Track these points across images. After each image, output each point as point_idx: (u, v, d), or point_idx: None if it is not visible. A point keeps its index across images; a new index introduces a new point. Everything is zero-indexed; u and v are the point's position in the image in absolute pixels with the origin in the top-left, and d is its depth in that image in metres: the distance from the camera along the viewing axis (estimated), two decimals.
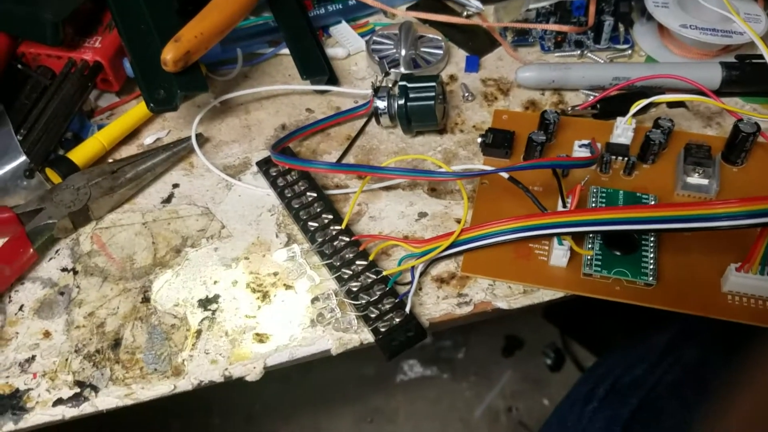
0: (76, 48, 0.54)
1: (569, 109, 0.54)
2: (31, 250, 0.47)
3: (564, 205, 0.45)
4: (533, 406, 1.08)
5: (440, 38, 0.60)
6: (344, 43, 0.61)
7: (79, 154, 0.51)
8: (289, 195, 0.49)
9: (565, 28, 0.59)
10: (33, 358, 0.43)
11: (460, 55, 0.61)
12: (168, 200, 0.51)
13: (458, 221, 0.49)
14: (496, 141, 0.51)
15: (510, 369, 1.11)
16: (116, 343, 0.44)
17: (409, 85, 0.52)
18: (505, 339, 1.14)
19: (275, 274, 0.47)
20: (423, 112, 0.52)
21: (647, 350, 0.60)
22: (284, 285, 0.46)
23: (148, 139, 0.55)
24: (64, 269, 0.48)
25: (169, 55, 0.49)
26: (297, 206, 0.48)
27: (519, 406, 1.07)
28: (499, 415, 1.07)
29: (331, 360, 0.44)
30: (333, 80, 0.58)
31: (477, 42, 0.61)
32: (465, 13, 0.63)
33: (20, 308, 0.46)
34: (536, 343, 1.13)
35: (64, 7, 0.52)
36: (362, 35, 0.62)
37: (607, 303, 0.44)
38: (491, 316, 0.46)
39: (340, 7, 0.62)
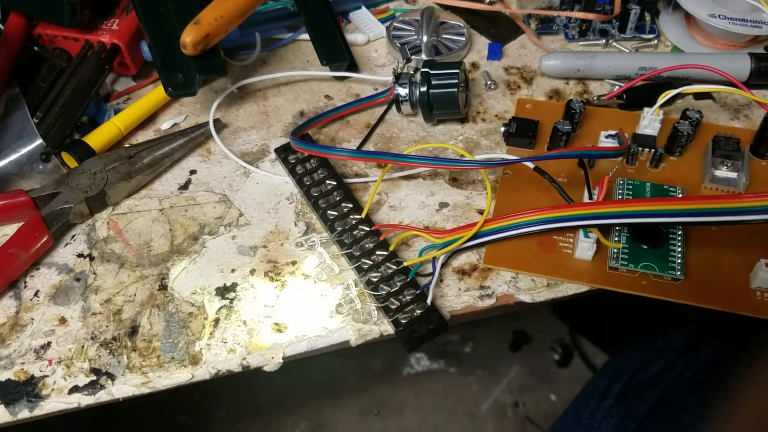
0: (93, 30, 0.54)
1: (594, 98, 0.53)
2: (47, 235, 0.46)
3: (590, 197, 0.44)
4: (540, 401, 1.07)
5: (462, 25, 0.59)
6: (364, 28, 0.60)
7: (95, 139, 0.51)
8: (308, 183, 0.48)
9: (590, 16, 0.57)
10: (48, 344, 0.43)
11: (482, 43, 0.60)
12: (185, 187, 0.51)
13: (480, 212, 0.48)
14: (520, 130, 0.50)
15: (517, 364, 1.11)
16: (133, 331, 0.43)
17: (432, 71, 0.51)
18: (512, 334, 1.13)
19: (294, 263, 0.46)
20: (446, 100, 0.51)
21: (665, 347, 0.59)
22: (303, 275, 0.45)
23: (165, 124, 0.54)
24: (80, 255, 0.47)
25: (189, 37, 0.48)
26: (316, 194, 0.47)
27: (526, 401, 1.07)
28: (506, 409, 1.06)
29: (337, 352, 0.43)
30: (353, 67, 0.57)
31: (500, 29, 0.60)
32: (488, 0, 0.62)
33: (36, 294, 0.45)
34: (544, 339, 1.13)
35: None
36: (382, 21, 0.61)
37: (618, 299, 0.43)
38: (513, 310, 0.45)
39: None
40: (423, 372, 1.10)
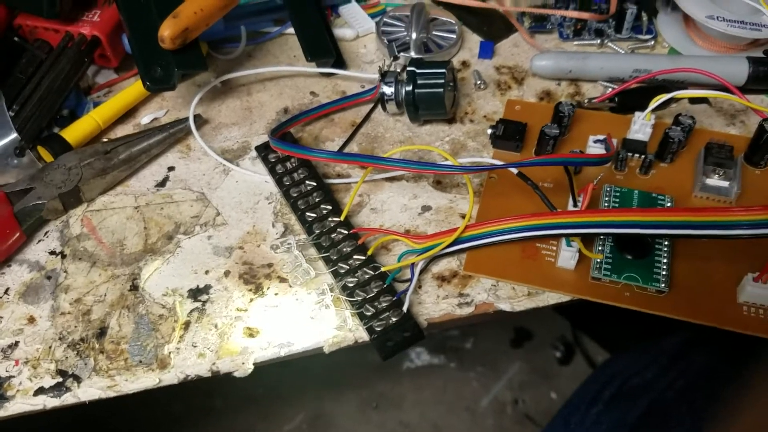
0: (73, 21, 0.53)
1: (586, 101, 0.51)
2: (19, 231, 0.45)
3: (575, 205, 0.43)
4: (540, 399, 1.06)
5: (454, 22, 0.58)
6: (353, 23, 0.58)
7: (72, 133, 0.50)
8: (288, 183, 0.47)
9: (585, 15, 0.56)
10: (16, 344, 0.42)
11: (473, 41, 0.58)
12: (162, 184, 0.50)
13: (463, 216, 0.47)
14: (507, 133, 0.48)
15: (518, 361, 1.10)
16: (101, 332, 0.42)
17: (418, 71, 0.49)
18: (514, 330, 1.12)
19: (269, 265, 0.45)
20: (431, 100, 0.49)
21: (658, 354, 0.58)
22: (278, 278, 0.44)
23: (145, 118, 0.53)
24: (52, 252, 0.46)
25: (167, 31, 0.47)
26: (295, 195, 0.46)
27: (526, 399, 1.06)
28: (506, 406, 1.06)
29: None
30: (340, 63, 0.56)
31: (492, 27, 0.59)
32: None
33: (5, 291, 0.44)
34: (546, 336, 1.11)
35: None
36: (373, 16, 0.59)
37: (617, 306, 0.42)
38: (493, 318, 0.44)
39: None
40: (423, 366, 1.10)
